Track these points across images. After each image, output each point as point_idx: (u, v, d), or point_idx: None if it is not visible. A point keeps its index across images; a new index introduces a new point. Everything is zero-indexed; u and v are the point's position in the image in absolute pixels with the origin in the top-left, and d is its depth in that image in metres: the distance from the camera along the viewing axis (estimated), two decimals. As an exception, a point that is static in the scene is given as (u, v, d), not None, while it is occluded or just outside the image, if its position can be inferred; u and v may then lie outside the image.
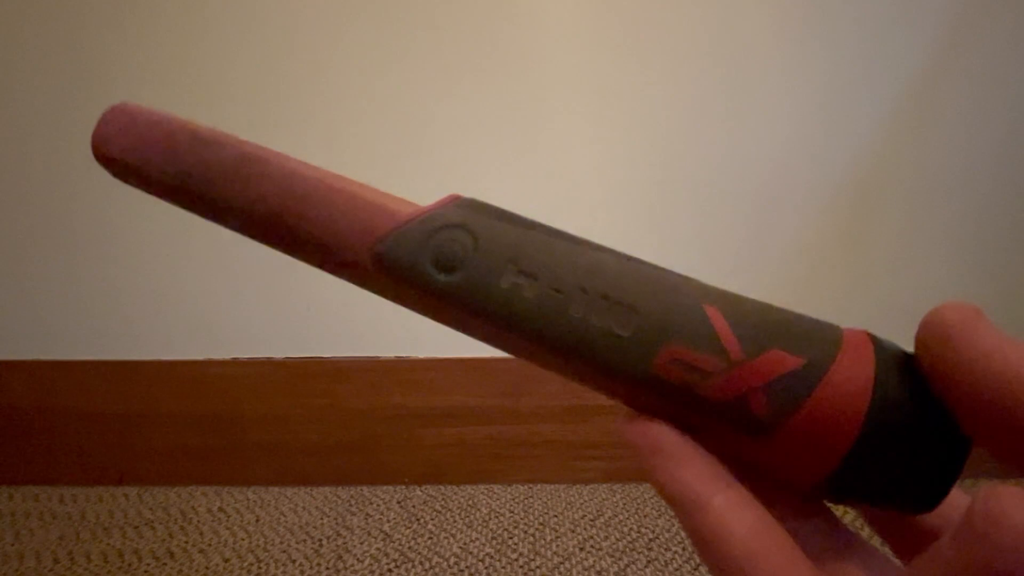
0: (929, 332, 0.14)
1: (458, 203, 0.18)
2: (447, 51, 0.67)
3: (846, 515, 0.16)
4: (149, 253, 0.73)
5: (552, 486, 0.74)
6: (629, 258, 0.17)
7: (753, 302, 0.16)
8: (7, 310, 0.75)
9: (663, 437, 0.15)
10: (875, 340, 0.15)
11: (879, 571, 0.15)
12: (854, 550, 0.16)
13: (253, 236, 0.19)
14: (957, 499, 0.16)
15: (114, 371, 0.75)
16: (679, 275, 0.17)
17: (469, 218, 0.17)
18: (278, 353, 0.75)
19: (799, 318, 0.16)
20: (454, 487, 0.75)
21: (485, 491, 0.74)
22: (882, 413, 0.14)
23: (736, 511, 0.14)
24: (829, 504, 0.17)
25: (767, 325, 0.15)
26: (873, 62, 0.66)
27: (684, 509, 0.15)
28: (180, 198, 0.20)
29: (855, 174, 0.69)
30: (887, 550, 0.17)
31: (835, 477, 0.15)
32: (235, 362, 0.75)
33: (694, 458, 0.15)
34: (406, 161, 0.69)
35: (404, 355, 0.74)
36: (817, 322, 0.16)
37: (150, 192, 0.20)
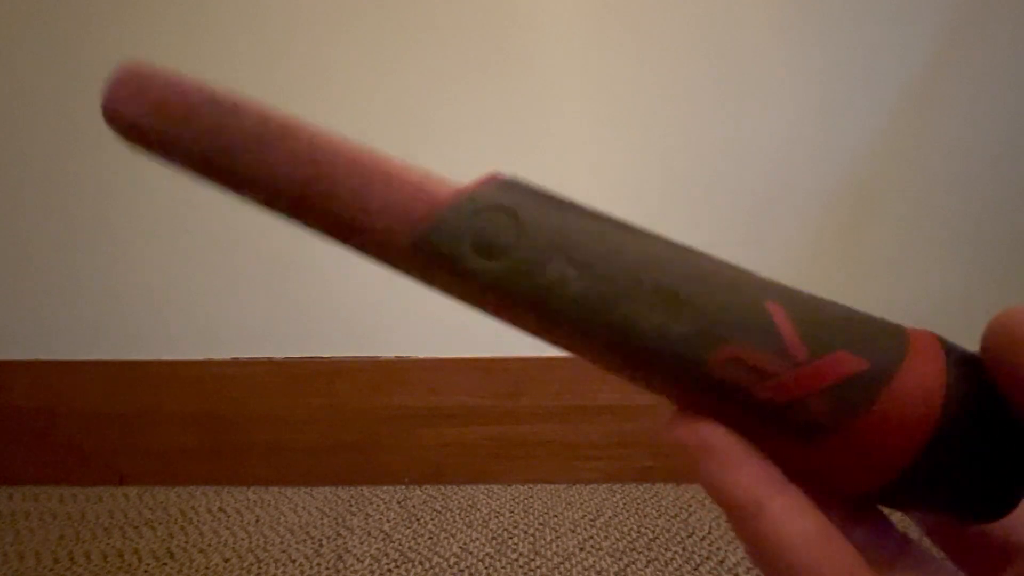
0: (1000, 337, 0.13)
1: (499, 183, 0.17)
2: (447, 51, 0.67)
3: (891, 516, 0.16)
4: (149, 253, 0.73)
5: (552, 486, 0.74)
6: (684, 248, 0.16)
7: (815, 298, 0.15)
8: (7, 310, 0.75)
9: (716, 438, 0.15)
10: (943, 343, 0.15)
11: None
12: (910, 556, 0.15)
13: (278, 212, 0.18)
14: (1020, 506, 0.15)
15: (114, 371, 0.75)
16: (738, 268, 0.16)
17: (513, 200, 0.16)
18: (278, 353, 0.75)
19: (863, 317, 0.15)
20: (454, 487, 0.75)
21: (485, 491, 0.74)
22: (954, 420, 0.13)
23: (795, 516, 0.14)
24: (882, 508, 0.16)
25: (831, 324, 0.15)
26: (872, 62, 0.66)
27: (740, 513, 0.14)
28: (199, 168, 0.18)
29: (855, 174, 0.69)
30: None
31: (896, 484, 0.14)
32: (235, 362, 0.75)
33: (749, 460, 0.14)
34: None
35: (404, 355, 0.74)
36: (881, 321, 0.15)
37: (166, 161, 0.18)
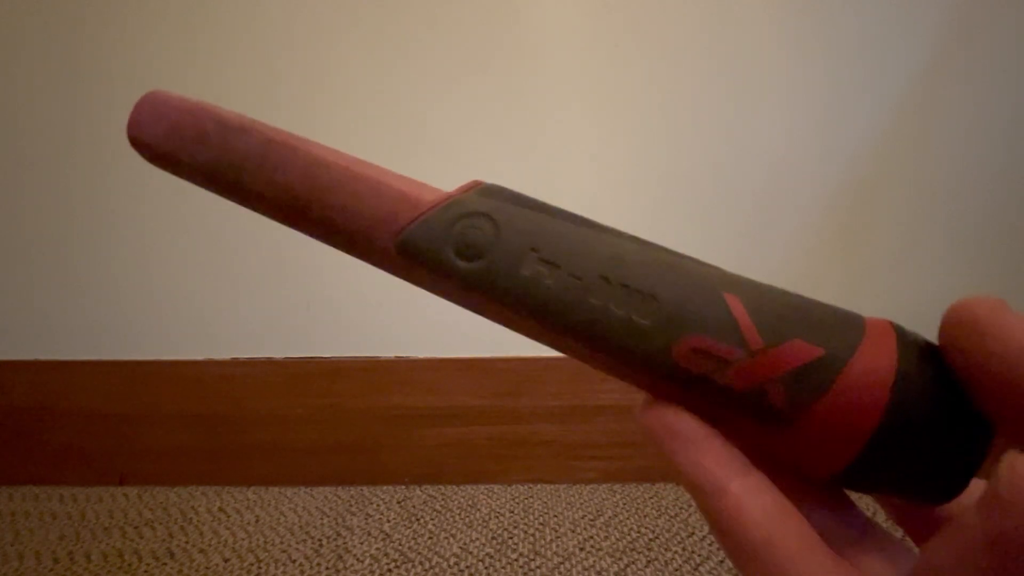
0: (957, 324, 0.13)
1: (480, 189, 0.18)
2: (447, 50, 0.67)
3: (860, 500, 0.17)
4: (149, 253, 0.73)
5: (552, 486, 0.74)
6: (651, 245, 0.17)
7: (775, 290, 0.16)
8: (7, 310, 0.75)
9: (681, 422, 0.15)
10: (898, 330, 0.15)
11: (897, 558, 0.15)
12: (871, 537, 0.16)
13: (281, 222, 0.20)
14: (977, 488, 0.15)
15: (114, 371, 0.75)
16: (701, 263, 0.17)
17: (491, 205, 0.18)
18: (278, 353, 0.75)
19: (821, 307, 0.16)
20: (454, 487, 0.75)
21: (485, 491, 0.74)
22: (903, 405, 0.14)
23: (754, 496, 0.14)
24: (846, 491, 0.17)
25: (788, 314, 0.15)
26: (874, 62, 0.66)
27: (702, 493, 0.15)
28: (210, 184, 0.20)
29: (855, 174, 0.69)
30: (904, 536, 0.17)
31: (853, 468, 0.15)
32: (235, 362, 0.75)
33: (712, 443, 0.15)
34: (405, 161, 0.69)
35: (404, 355, 0.74)
36: (839, 311, 0.16)
37: (182, 177, 0.20)
